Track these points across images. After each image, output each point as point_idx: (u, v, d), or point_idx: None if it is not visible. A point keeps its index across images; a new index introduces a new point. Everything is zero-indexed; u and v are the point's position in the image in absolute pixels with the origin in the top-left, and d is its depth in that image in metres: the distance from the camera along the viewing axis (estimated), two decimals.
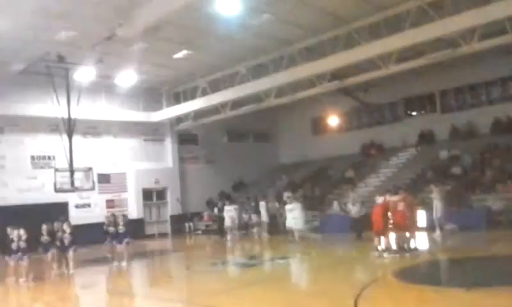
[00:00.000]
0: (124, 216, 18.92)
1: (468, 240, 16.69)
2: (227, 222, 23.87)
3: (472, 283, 9.86)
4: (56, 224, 16.55)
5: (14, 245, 15.19)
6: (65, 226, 16.33)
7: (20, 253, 15.04)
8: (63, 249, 16.03)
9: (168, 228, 30.25)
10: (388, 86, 26.80)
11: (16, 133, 25.05)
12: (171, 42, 20.59)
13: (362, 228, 18.30)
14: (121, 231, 17.38)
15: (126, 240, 17.41)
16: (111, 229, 17.46)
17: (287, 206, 21.25)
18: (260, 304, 10.03)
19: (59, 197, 23.51)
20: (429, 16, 17.35)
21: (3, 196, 23.86)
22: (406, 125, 29.19)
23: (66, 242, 16.00)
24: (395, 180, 23.68)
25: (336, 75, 21.94)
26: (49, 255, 15.82)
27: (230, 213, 23.94)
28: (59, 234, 16.09)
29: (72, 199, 25.33)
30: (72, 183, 22.36)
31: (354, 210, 19.83)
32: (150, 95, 29.03)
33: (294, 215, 20.47)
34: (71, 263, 16.02)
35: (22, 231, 15.38)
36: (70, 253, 16.01)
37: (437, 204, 18.47)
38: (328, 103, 28.80)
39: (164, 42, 20.26)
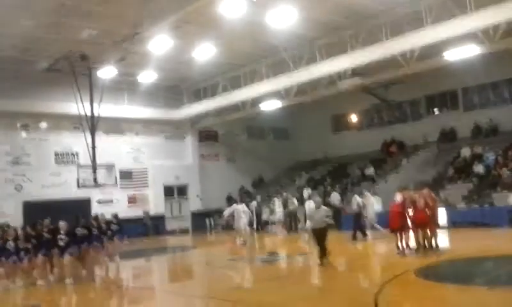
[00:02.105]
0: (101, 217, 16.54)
1: (490, 238, 16.53)
2: (242, 224, 21.67)
3: (494, 282, 9.79)
4: (47, 221, 14.79)
5: (9, 246, 13.88)
6: (61, 224, 14.18)
7: (15, 255, 13.73)
8: (60, 252, 13.92)
9: (188, 224, 30.54)
10: (409, 83, 26.52)
11: (40, 130, 25.55)
12: (191, 40, 20.74)
13: (323, 244, 13.44)
14: (94, 233, 15.03)
15: (69, 251, 14.11)
16: (79, 230, 14.75)
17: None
18: (278, 299, 10.09)
19: (82, 193, 24.04)
20: (451, 12, 17.18)
21: (28, 192, 24.40)
22: (427, 122, 28.92)
23: (62, 243, 13.84)
24: (416, 178, 23.49)
25: (357, 72, 21.87)
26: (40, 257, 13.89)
27: (246, 214, 21.98)
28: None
29: (94, 195, 25.73)
30: (95, 179, 22.77)
31: (316, 216, 13.82)
32: (171, 93, 29.32)
33: None
34: (58, 269, 13.94)
35: (20, 230, 14.42)
36: (66, 257, 13.82)
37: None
38: (348, 101, 28.71)
39: (184, 40, 20.42)
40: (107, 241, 16.12)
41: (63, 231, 14.04)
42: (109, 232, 16.46)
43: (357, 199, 19.67)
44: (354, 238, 18.64)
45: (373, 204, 20.18)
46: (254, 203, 26.69)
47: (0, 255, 14.04)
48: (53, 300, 12.49)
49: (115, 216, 17.72)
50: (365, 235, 18.88)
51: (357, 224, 19.08)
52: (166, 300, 12.20)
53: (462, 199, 21.24)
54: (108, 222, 16.87)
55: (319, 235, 13.44)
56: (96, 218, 16.49)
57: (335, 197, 23.69)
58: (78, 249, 14.38)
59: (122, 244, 17.61)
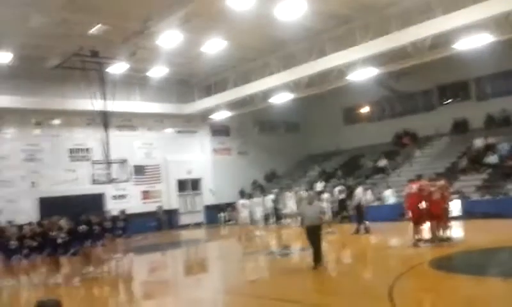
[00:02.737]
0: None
1: (504, 229, 16.43)
2: (242, 218, 21.22)
3: (509, 273, 9.76)
4: (55, 218, 14.41)
5: (12, 244, 13.53)
6: (62, 223, 13.77)
7: (19, 254, 13.43)
8: (62, 251, 13.48)
9: (202, 218, 30.70)
10: (421, 74, 26.34)
11: (53, 127, 25.79)
12: (201, 34, 20.76)
13: (317, 245, 12.27)
14: (60, 241, 13.62)
15: (72, 250, 13.66)
16: (80, 228, 14.20)
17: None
18: (293, 292, 10.14)
19: (96, 189, 24.26)
20: (461, 1, 17.01)
21: (43, 188, 24.63)
22: (439, 113, 28.69)
23: (60, 240, 13.38)
24: (429, 169, 23.38)
25: (367, 63, 21.77)
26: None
27: (245, 208, 21.80)
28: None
29: (108, 190, 25.90)
30: (108, 175, 22.96)
31: (309, 212, 12.54)
32: (182, 87, 29.43)
33: None
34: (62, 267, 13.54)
35: (26, 228, 14.11)
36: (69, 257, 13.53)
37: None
38: (359, 93, 28.59)
39: (194, 34, 20.44)
40: (113, 237, 15.79)
41: (64, 229, 13.71)
42: (115, 228, 16.09)
43: (356, 191, 19.83)
44: (366, 230, 18.61)
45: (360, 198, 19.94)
46: (270, 197, 26.70)
47: (5, 253, 13.77)
48: (64, 297, 12.60)
49: (122, 212, 17.28)
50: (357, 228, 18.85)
51: (358, 216, 19.20)
52: (183, 294, 12.29)
53: (476, 190, 21.12)
54: (114, 219, 16.53)
55: (312, 234, 12.24)
56: (98, 215, 16.09)
57: (339, 191, 23.64)
58: (80, 246, 13.99)
59: (128, 240, 17.12)
